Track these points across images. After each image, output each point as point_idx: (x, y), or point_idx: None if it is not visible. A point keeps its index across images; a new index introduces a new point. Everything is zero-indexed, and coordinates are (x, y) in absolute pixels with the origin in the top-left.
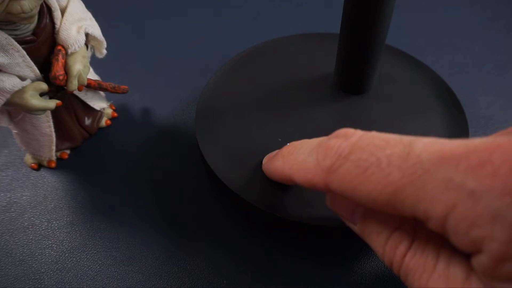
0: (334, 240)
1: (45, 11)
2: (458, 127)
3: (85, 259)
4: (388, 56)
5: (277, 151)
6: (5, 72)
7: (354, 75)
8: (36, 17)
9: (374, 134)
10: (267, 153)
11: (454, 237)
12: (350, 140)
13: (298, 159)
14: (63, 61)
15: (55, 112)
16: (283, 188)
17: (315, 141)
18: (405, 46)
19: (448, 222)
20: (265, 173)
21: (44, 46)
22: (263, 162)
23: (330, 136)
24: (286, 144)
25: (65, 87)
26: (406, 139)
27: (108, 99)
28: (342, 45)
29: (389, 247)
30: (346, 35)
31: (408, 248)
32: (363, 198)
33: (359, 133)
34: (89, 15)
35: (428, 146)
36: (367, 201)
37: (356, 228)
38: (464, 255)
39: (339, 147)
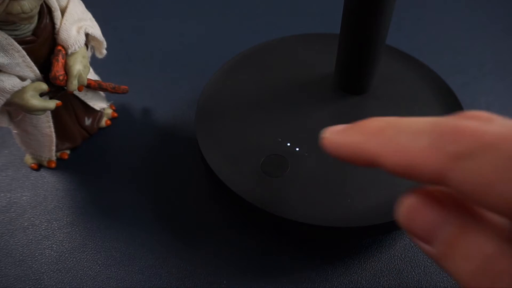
0: (334, 240)
1: (45, 11)
2: None
3: (85, 259)
4: (388, 56)
5: (343, 126)
6: (5, 72)
7: (354, 75)
8: (36, 17)
9: None
10: (267, 153)
11: None
12: (494, 124)
13: (399, 138)
14: (63, 61)
15: (55, 112)
16: (283, 188)
17: (424, 119)
18: (405, 46)
19: None
20: (326, 148)
21: (44, 46)
22: (325, 135)
23: (457, 117)
24: (286, 144)
25: (65, 87)
26: None
27: (108, 99)
28: (342, 45)
29: (486, 276)
30: (346, 35)
31: None
32: (503, 200)
33: (500, 118)
34: (89, 15)
35: None
36: (509, 205)
37: (432, 249)
38: None
39: (478, 131)
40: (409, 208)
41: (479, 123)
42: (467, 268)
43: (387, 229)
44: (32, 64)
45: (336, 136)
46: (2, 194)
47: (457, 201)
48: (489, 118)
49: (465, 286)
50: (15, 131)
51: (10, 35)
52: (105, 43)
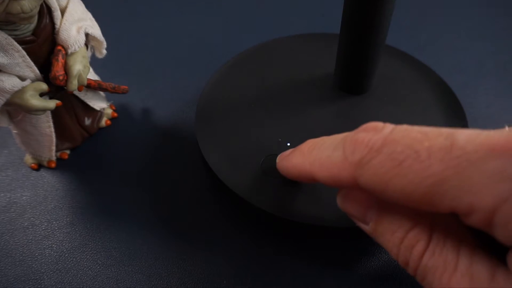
0: (334, 240)
1: (45, 11)
2: (458, 127)
3: (85, 259)
4: (388, 56)
5: (290, 150)
6: (5, 72)
7: (354, 75)
8: (36, 17)
9: (407, 127)
10: (267, 153)
11: (500, 231)
12: (382, 133)
13: (321, 155)
14: (63, 61)
15: (55, 112)
16: (283, 188)
17: (338, 136)
18: (405, 46)
19: (497, 215)
20: (281, 172)
21: (44, 46)
22: (277, 161)
23: (357, 130)
24: (286, 144)
25: (65, 87)
26: (445, 131)
27: (108, 99)
28: (342, 45)
29: (404, 247)
30: (346, 35)
31: (426, 247)
32: (396, 193)
33: (390, 126)
34: (89, 15)
35: (473, 137)
36: (401, 196)
37: (368, 228)
38: (487, 254)
39: (369, 140)
40: (343, 197)
41: (371, 133)
42: (393, 241)
43: None
44: (32, 64)
45: (284, 161)
46: (2, 194)
47: None
48: (380, 128)
49: (395, 256)
50: (15, 131)
51: (10, 35)
52: (105, 43)
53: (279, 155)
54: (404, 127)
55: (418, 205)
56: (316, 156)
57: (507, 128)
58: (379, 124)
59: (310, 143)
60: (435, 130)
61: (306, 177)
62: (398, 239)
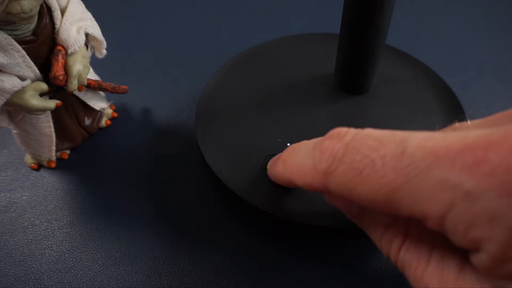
0: (334, 240)
1: (45, 11)
2: None
3: (85, 259)
4: (388, 56)
5: (278, 155)
6: (5, 72)
7: (354, 75)
8: (36, 17)
9: (367, 133)
10: (267, 153)
11: (452, 236)
12: (343, 141)
13: (297, 162)
14: (63, 61)
15: (55, 112)
16: (283, 188)
17: (311, 143)
18: (405, 46)
19: (446, 221)
20: (270, 179)
21: (44, 46)
22: (268, 167)
23: (324, 137)
24: (286, 144)
25: (65, 87)
26: (398, 136)
27: (108, 99)
28: (342, 45)
29: (384, 241)
30: (346, 35)
31: (402, 243)
32: (361, 199)
33: (352, 132)
34: (89, 15)
35: (422, 143)
36: (365, 202)
37: (356, 220)
38: (458, 250)
39: (333, 149)
40: (327, 197)
41: (334, 140)
42: (376, 235)
43: None
44: (32, 64)
45: (271, 168)
46: (2, 194)
47: None
48: (342, 134)
49: (379, 248)
50: (15, 131)
51: (10, 35)
52: (105, 43)
53: (269, 161)
54: (365, 133)
55: (383, 209)
56: (292, 164)
57: (469, 122)
58: (342, 131)
59: (289, 149)
60: (389, 136)
61: (289, 184)
62: (379, 234)
